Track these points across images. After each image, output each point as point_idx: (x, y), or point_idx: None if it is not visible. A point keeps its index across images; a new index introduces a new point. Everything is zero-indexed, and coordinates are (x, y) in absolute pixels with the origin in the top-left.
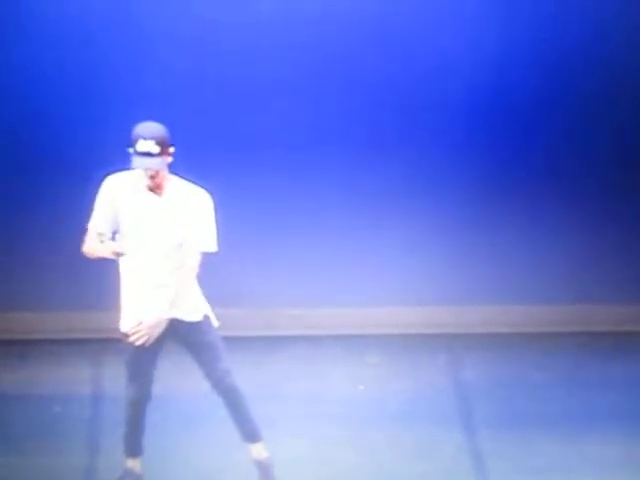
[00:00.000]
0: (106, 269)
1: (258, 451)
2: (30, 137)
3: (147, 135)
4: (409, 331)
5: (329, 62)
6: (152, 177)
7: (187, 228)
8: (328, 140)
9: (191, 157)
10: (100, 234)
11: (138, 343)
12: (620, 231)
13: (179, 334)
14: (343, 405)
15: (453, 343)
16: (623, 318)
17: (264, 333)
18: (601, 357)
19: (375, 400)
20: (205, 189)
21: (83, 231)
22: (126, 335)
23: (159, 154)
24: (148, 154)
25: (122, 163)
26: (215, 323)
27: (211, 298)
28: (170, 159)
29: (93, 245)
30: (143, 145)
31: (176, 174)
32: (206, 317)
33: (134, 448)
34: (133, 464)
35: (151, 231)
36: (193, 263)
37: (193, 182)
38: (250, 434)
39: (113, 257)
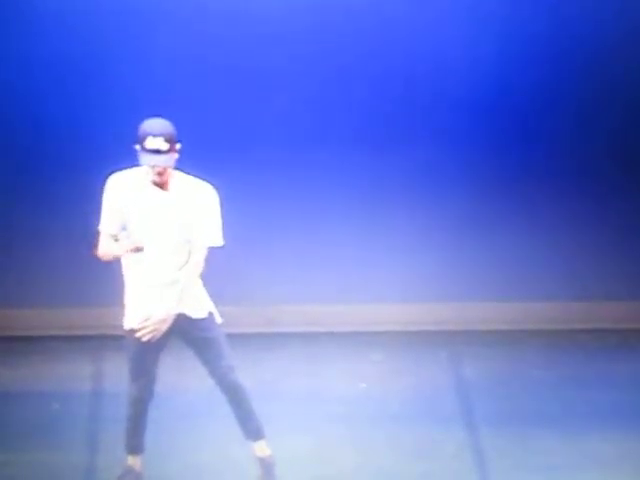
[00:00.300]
0: (106, 266)
1: (261, 449)
2: (29, 134)
3: (156, 132)
4: (410, 328)
5: (332, 58)
6: (159, 174)
7: (194, 223)
8: (328, 137)
9: (192, 153)
10: (113, 235)
11: (145, 339)
12: (621, 227)
13: (184, 330)
14: (344, 403)
15: (454, 340)
16: (625, 315)
17: (265, 330)
18: (603, 354)
19: (376, 398)
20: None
21: (83, 228)
22: (131, 332)
23: (168, 151)
24: (157, 151)
25: (121, 160)
26: (219, 320)
27: (212, 295)
28: (177, 156)
29: (108, 247)
30: (152, 142)
31: (180, 170)
32: (210, 314)
33: (135, 446)
34: (133, 461)
35: (158, 227)
36: (199, 257)
37: (196, 177)
38: (253, 432)
39: (131, 254)
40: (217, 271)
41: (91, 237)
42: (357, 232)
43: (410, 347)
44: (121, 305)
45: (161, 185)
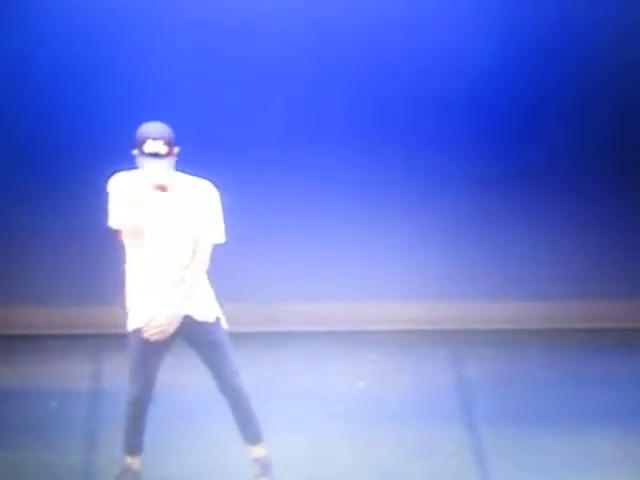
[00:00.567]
0: (105, 265)
1: (257, 451)
2: (29, 134)
3: (155, 136)
4: (410, 327)
5: (331, 59)
6: (160, 176)
7: (197, 221)
8: (328, 137)
9: (193, 152)
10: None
11: (152, 339)
12: (620, 227)
13: (189, 333)
14: (343, 402)
15: (454, 339)
16: (625, 314)
17: (264, 329)
18: (603, 353)
19: (376, 397)
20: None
21: (82, 227)
22: (134, 332)
23: (167, 154)
24: (156, 155)
25: (122, 160)
26: (225, 326)
27: None
28: (175, 159)
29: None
30: (151, 145)
31: (181, 170)
32: (217, 319)
33: (134, 446)
34: (132, 461)
35: (162, 228)
36: (204, 256)
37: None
38: (252, 436)
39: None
40: (217, 269)
41: (91, 236)
42: (357, 231)
43: (410, 346)
44: (120, 304)
45: (163, 187)
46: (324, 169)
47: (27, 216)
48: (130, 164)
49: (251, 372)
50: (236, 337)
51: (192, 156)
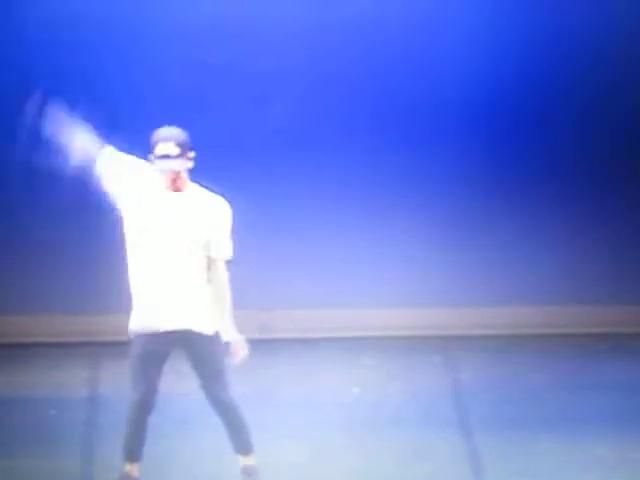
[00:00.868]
0: (102, 273)
1: (246, 460)
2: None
3: (166, 137)
4: (405, 333)
5: (333, 64)
6: (172, 180)
7: (208, 231)
8: (324, 143)
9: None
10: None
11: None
12: (615, 233)
13: (188, 343)
14: (339, 408)
15: (449, 345)
16: (619, 319)
17: (258, 336)
18: (598, 358)
19: (371, 403)
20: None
21: (80, 237)
22: (136, 338)
23: (179, 156)
24: (167, 156)
25: None
26: (225, 339)
27: None
28: (190, 164)
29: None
30: (163, 147)
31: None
32: (217, 332)
33: (133, 453)
34: (131, 468)
35: (168, 229)
36: (224, 275)
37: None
38: (242, 447)
39: None
40: None
41: (88, 245)
42: (351, 238)
43: (405, 352)
44: (117, 312)
45: (175, 190)
46: (318, 176)
47: (26, 226)
48: None
49: (245, 380)
50: (229, 345)
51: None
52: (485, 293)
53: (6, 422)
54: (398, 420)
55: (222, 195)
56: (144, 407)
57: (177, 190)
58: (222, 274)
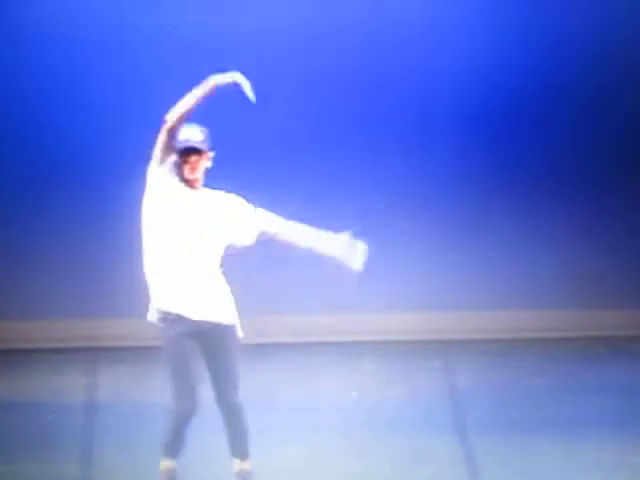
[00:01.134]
0: (100, 278)
1: (242, 464)
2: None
3: (191, 125)
4: (403, 337)
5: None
6: (192, 168)
7: (227, 222)
8: (323, 143)
9: None
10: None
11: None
12: (615, 237)
13: (208, 335)
14: (337, 412)
15: (447, 349)
16: (618, 323)
17: (256, 341)
18: (596, 362)
19: (370, 407)
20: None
21: (78, 241)
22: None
23: (202, 142)
24: (190, 140)
25: (128, 172)
26: (240, 334)
27: None
28: (209, 164)
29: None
30: (186, 132)
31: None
32: (234, 325)
33: (172, 450)
34: (171, 464)
35: (187, 224)
36: None
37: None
38: (240, 452)
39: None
40: None
41: (86, 250)
42: None
43: (403, 356)
44: (117, 318)
45: (192, 184)
46: (314, 179)
47: (23, 232)
48: (131, 181)
49: (242, 385)
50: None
51: None
52: (484, 297)
53: (6, 427)
54: (397, 424)
55: None
56: (189, 417)
57: (194, 181)
58: None
